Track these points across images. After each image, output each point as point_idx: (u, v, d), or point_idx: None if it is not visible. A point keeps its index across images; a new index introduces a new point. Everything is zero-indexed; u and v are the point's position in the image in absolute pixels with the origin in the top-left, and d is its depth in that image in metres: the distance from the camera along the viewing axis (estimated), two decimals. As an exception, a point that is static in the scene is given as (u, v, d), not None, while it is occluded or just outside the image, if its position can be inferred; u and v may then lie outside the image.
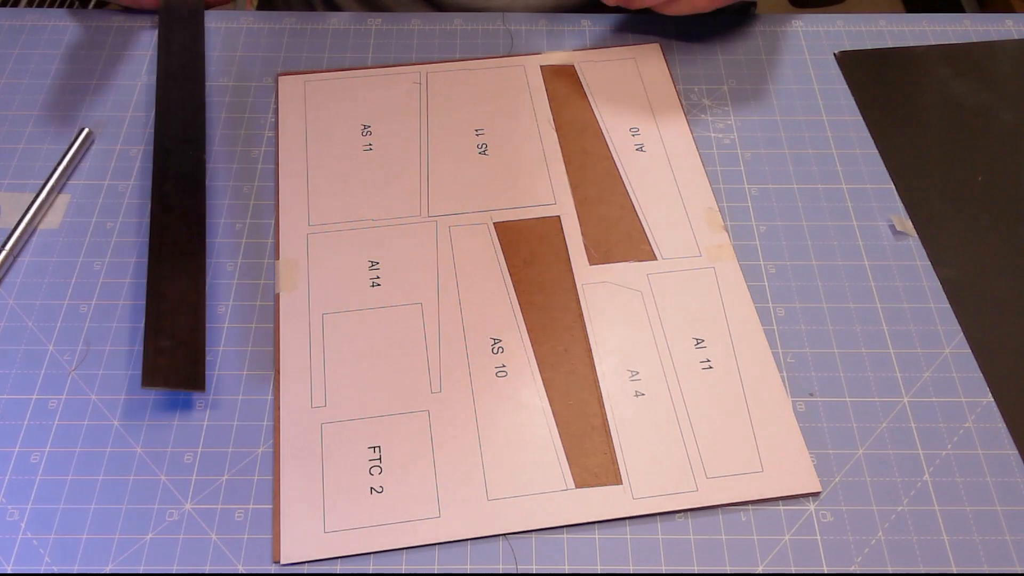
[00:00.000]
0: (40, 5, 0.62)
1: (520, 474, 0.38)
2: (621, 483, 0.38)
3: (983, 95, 0.53)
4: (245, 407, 0.41)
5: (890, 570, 0.37)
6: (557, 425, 0.40)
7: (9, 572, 0.36)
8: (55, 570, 0.36)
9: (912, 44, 0.55)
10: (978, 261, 0.46)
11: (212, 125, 0.51)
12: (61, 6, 0.62)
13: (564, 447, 0.39)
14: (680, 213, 0.47)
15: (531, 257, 0.45)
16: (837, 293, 0.45)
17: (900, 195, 0.48)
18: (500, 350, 0.42)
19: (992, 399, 0.41)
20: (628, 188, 0.48)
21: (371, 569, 0.36)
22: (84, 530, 0.37)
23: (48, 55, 0.55)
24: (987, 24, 0.57)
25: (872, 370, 0.42)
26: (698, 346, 0.42)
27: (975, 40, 0.56)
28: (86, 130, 0.50)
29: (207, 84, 0.53)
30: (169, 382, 0.39)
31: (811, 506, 0.38)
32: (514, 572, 0.37)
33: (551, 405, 0.40)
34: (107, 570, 0.36)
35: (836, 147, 0.50)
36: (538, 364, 0.41)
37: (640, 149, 0.50)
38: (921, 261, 0.46)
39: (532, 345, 0.42)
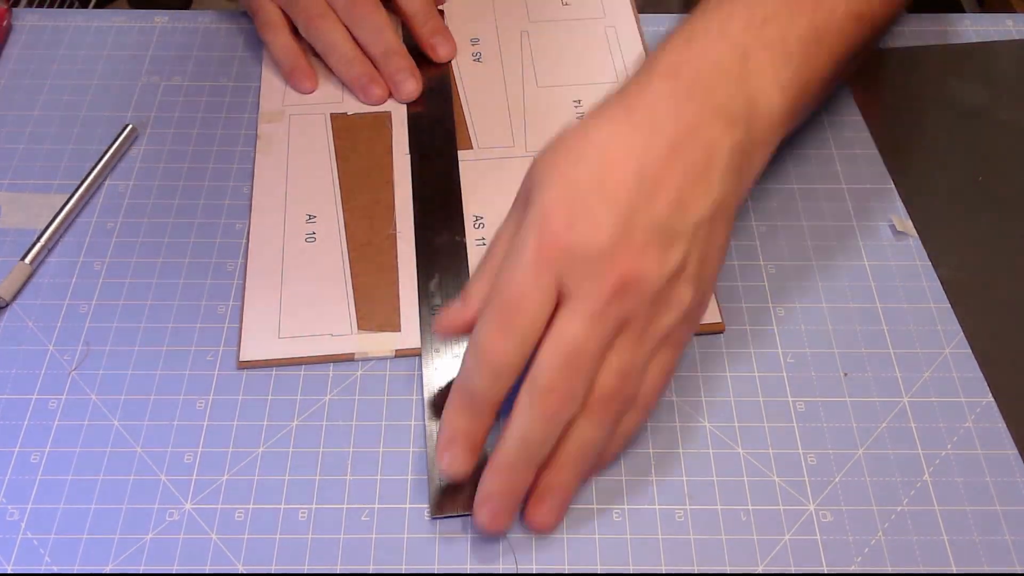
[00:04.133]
0: (40, 6, 0.61)
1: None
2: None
3: (983, 95, 0.53)
4: (245, 407, 0.41)
5: (890, 570, 0.37)
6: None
7: (9, 572, 0.36)
8: (55, 570, 0.36)
9: (912, 44, 0.55)
10: (978, 261, 0.46)
11: (212, 125, 0.51)
12: (61, 6, 0.62)
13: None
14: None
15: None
16: (837, 293, 0.45)
17: (900, 195, 0.48)
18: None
19: (992, 399, 0.41)
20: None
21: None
22: (84, 530, 0.37)
23: (47, 55, 0.55)
24: (987, 24, 0.57)
25: (872, 370, 0.42)
26: None
27: (975, 40, 0.56)
28: (129, 126, 0.50)
29: (207, 84, 0.53)
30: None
31: (811, 506, 0.38)
32: (514, 572, 0.37)
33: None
34: (107, 570, 0.36)
35: (836, 147, 0.50)
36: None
37: None
38: (921, 261, 0.46)
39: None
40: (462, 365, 0.36)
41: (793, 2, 0.39)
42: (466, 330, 0.36)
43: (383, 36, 0.52)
